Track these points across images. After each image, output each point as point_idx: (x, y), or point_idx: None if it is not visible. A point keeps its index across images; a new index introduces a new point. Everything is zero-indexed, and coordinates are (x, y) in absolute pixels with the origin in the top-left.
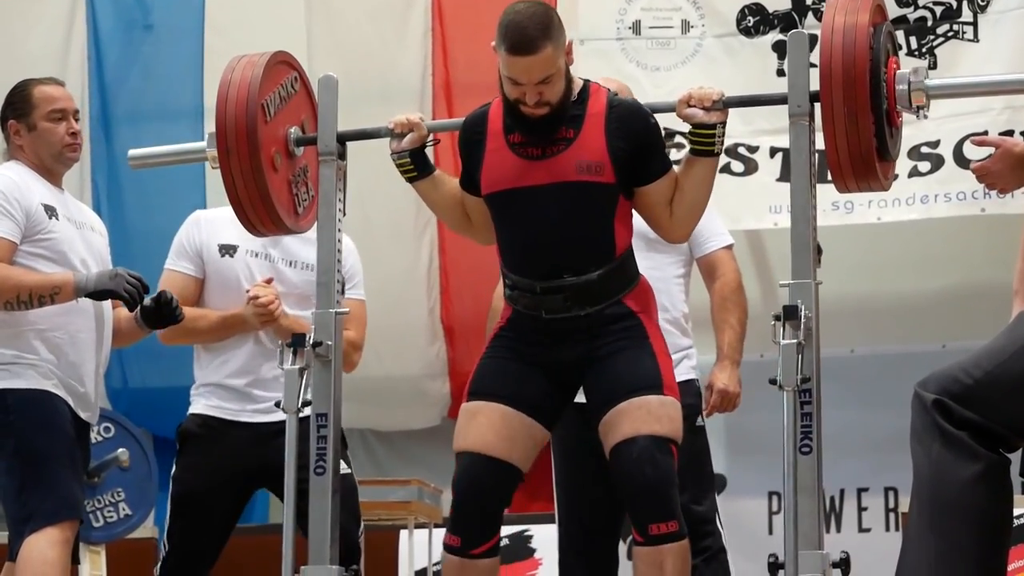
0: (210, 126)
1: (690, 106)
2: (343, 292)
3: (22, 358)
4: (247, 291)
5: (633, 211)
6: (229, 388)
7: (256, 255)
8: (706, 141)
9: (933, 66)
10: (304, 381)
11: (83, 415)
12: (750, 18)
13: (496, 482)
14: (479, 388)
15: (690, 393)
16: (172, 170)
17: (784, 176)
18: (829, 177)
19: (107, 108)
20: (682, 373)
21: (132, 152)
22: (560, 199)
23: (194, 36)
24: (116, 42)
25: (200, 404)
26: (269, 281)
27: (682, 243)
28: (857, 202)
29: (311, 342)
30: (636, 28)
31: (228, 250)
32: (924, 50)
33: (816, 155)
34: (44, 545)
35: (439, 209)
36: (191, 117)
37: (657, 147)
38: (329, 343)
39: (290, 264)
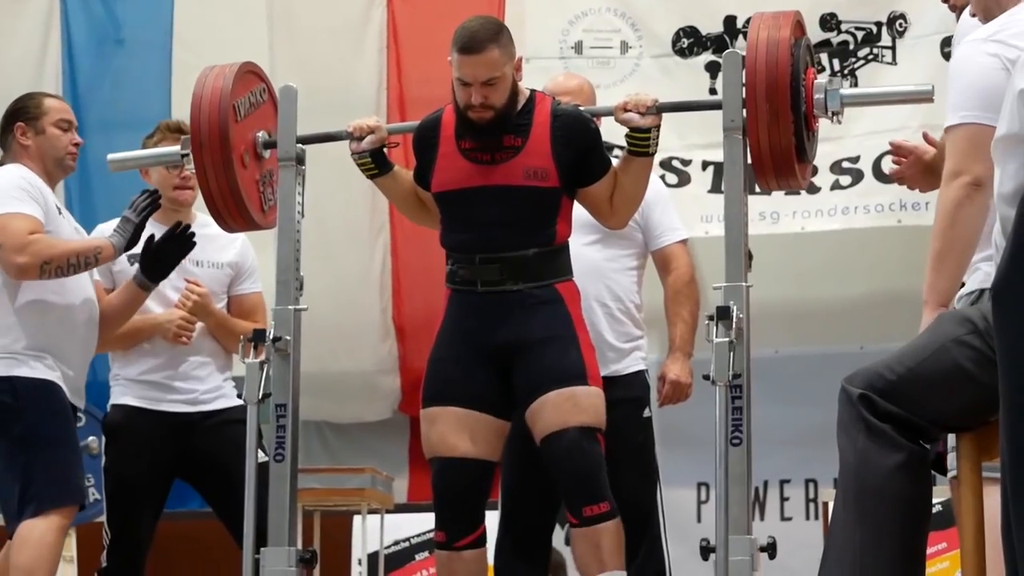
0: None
1: (627, 111)
2: (301, 289)
3: (29, 349)
4: (182, 296)
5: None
6: (150, 382)
7: None
8: (641, 143)
9: (854, 86)
10: (264, 374)
11: (76, 403)
12: (684, 40)
13: (467, 479)
14: (432, 394)
15: (639, 385)
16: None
17: (715, 188)
18: (758, 189)
19: (80, 117)
20: (632, 364)
21: (111, 156)
22: (507, 200)
23: (163, 50)
24: (89, 55)
25: (120, 395)
26: (196, 283)
27: (621, 229)
28: (783, 212)
29: (271, 337)
30: (578, 48)
31: (134, 258)
32: (846, 71)
33: (747, 167)
34: (44, 529)
35: (397, 201)
36: None
37: (598, 150)
38: (288, 338)
39: (197, 264)
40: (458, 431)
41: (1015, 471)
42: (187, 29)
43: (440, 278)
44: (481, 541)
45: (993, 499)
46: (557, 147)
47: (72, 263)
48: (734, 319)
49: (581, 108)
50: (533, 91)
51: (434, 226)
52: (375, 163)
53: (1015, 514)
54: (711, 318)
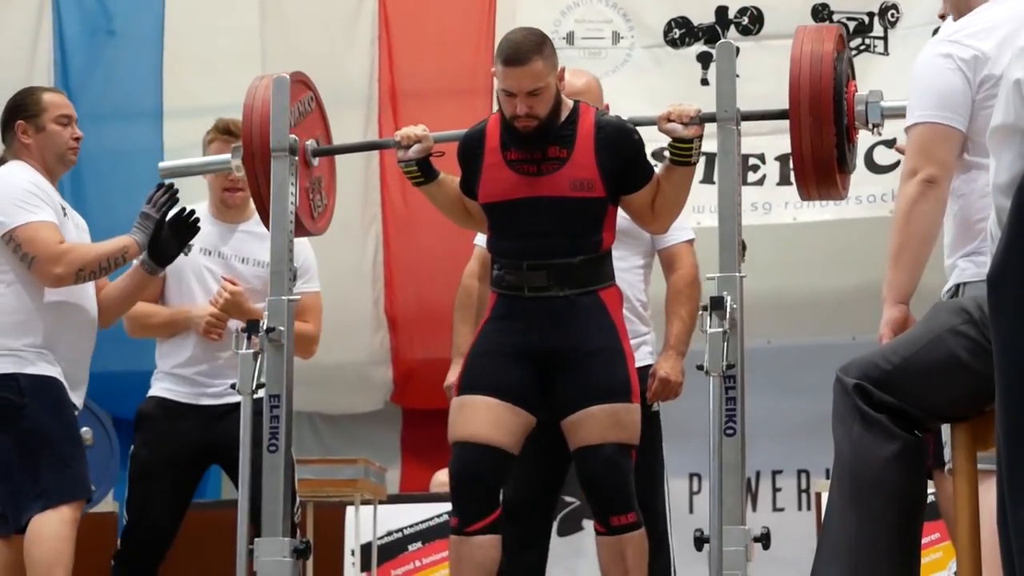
0: (170, 126)
1: (670, 121)
2: (295, 280)
3: (32, 347)
4: (216, 293)
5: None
6: (181, 376)
7: (209, 253)
8: (684, 153)
9: None
10: (258, 365)
11: (76, 401)
12: (676, 30)
13: (486, 466)
14: (468, 383)
15: (646, 379)
16: (132, 166)
17: (707, 178)
18: (749, 179)
19: None
20: (641, 359)
21: (162, 164)
22: (553, 211)
23: (154, 41)
24: (80, 47)
25: (157, 388)
26: (233, 281)
27: (663, 234)
28: (775, 203)
29: (264, 328)
30: (570, 39)
31: (188, 248)
32: None
33: (740, 158)
34: (57, 523)
35: (443, 207)
36: (151, 118)
37: (641, 160)
38: (281, 329)
39: (242, 261)
40: (484, 418)
41: (1011, 461)
42: (179, 20)
43: (432, 270)
44: (495, 528)
45: (988, 493)
46: (602, 158)
47: (103, 266)
48: (728, 309)
49: (626, 119)
50: (577, 102)
51: (479, 230)
52: (421, 171)
53: (1011, 504)
54: (705, 308)
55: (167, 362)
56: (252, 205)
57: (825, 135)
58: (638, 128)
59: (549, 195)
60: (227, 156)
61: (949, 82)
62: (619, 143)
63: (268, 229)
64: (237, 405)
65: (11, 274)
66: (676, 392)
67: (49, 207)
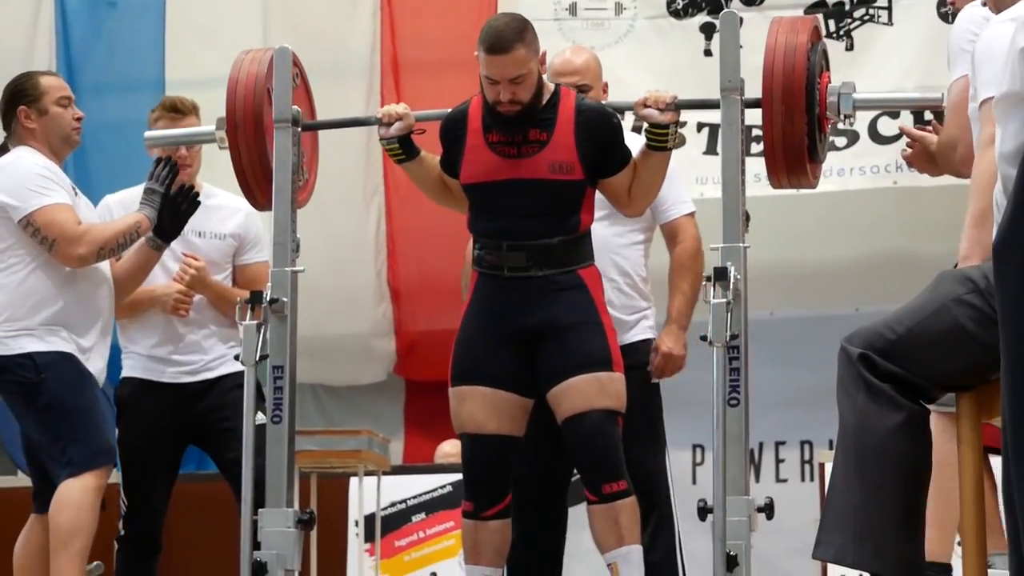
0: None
1: (646, 107)
2: (297, 251)
3: (46, 324)
4: (180, 270)
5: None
6: (156, 357)
7: None
8: (660, 138)
9: (850, 47)
10: (261, 336)
11: (97, 376)
12: (679, 1)
13: (494, 454)
14: (460, 373)
15: (646, 352)
16: (134, 138)
17: (710, 150)
18: (753, 150)
19: (73, 80)
20: (640, 333)
21: (148, 134)
22: (533, 192)
23: (156, 12)
24: (82, 18)
25: (134, 369)
26: (194, 257)
27: (638, 217)
28: None
29: (268, 299)
30: (572, 9)
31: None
32: (842, 32)
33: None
34: (80, 492)
35: (423, 185)
36: (153, 89)
37: (619, 143)
38: (285, 300)
39: (199, 235)
40: (485, 409)
41: (1016, 431)
42: None
43: (435, 240)
44: (506, 512)
45: (944, 434)
46: (581, 141)
47: (121, 243)
48: (732, 280)
49: (604, 103)
50: (558, 85)
51: (458, 209)
52: (403, 149)
53: (1016, 473)
54: (709, 279)
55: (137, 343)
56: (199, 179)
57: (796, 124)
58: (616, 113)
59: (529, 177)
60: (211, 128)
61: None
62: (598, 127)
63: (253, 205)
64: (216, 380)
65: (29, 257)
66: (679, 366)
67: (62, 189)
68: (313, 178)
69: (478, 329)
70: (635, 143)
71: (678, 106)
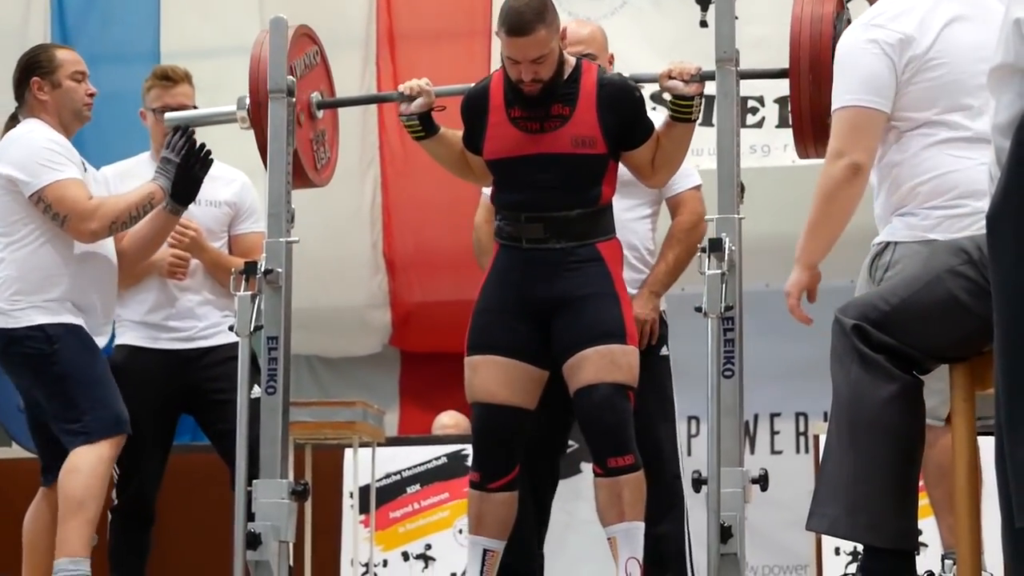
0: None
1: (671, 78)
2: (292, 221)
3: (57, 299)
4: (178, 233)
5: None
6: (150, 323)
7: None
8: (684, 110)
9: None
10: (256, 306)
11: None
12: None
13: (504, 425)
14: (476, 343)
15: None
16: (129, 109)
17: (706, 121)
18: (749, 121)
19: None
20: None
21: (168, 115)
22: (556, 166)
23: None
24: None
25: (127, 336)
26: (188, 223)
27: (661, 187)
28: (774, 145)
29: (262, 270)
30: None
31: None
32: None
33: (739, 100)
34: (94, 460)
35: (442, 160)
36: (148, 60)
37: (641, 117)
38: (280, 270)
39: (196, 203)
40: (499, 379)
41: (1009, 402)
42: None
43: (431, 212)
44: (513, 485)
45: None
46: (603, 115)
47: (133, 215)
48: (726, 251)
49: (626, 76)
50: (579, 59)
51: (480, 183)
52: (423, 126)
53: (1009, 445)
54: (703, 250)
55: (132, 310)
56: None
57: (824, 93)
58: (639, 84)
59: (551, 152)
60: (232, 107)
61: (875, 67)
62: (620, 101)
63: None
64: (211, 349)
65: (39, 231)
66: (651, 329)
67: (73, 164)
68: (335, 155)
69: (495, 299)
70: (656, 117)
71: (702, 77)
